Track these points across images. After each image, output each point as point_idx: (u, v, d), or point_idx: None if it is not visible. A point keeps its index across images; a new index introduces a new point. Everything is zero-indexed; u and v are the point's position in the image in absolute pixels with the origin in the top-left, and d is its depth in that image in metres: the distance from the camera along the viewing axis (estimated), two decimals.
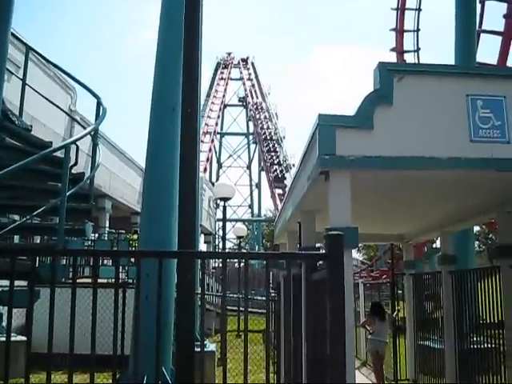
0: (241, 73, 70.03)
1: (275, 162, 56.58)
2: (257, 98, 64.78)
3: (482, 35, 22.19)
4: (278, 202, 49.50)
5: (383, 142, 4.95)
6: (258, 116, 62.23)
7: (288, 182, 50.51)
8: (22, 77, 8.80)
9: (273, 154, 57.05)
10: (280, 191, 52.37)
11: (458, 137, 5.12)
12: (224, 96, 67.02)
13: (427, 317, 11.93)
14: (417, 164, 4.99)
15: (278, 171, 55.77)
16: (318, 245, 8.05)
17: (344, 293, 3.35)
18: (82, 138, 6.55)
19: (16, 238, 11.10)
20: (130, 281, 15.54)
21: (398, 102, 5.01)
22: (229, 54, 71.60)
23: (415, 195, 6.95)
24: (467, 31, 15.93)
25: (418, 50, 29.74)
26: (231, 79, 69.54)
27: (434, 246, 29.38)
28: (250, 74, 69.05)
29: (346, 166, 4.79)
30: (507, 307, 7.40)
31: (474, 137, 5.12)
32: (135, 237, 21.97)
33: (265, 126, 60.65)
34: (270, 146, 58.15)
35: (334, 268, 3.17)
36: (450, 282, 9.78)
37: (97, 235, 22.62)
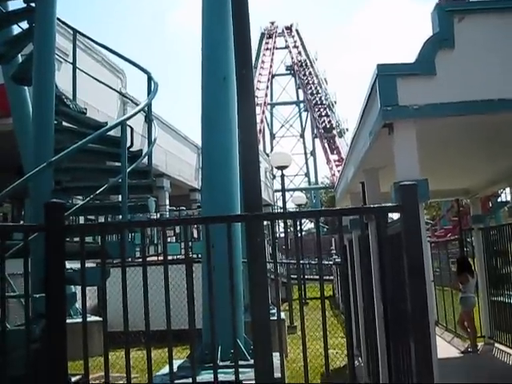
0: (286, 41, 69.15)
1: (328, 126, 55.95)
2: (305, 64, 63.93)
3: None
4: (334, 168, 49.05)
5: (448, 88, 4.68)
6: (307, 83, 61.50)
7: (342, 146, 49.96)
8: (72, 62, 8.88)
9: (325, 118, 56.42)
10: (335, 157, 51.86)
11: None
12: (271, 66, 66.51)
13: (500, 272, 11.56)
14: (485, 108, 4.71)
15: (331, 137, 55.15)
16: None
17: (421, 246, 3.20)
18: (137, 113, 6.55)
19: (81, 220, 11.34)
20: (195, 256, 15.71)
21: (460, 45, 4.72)
22: (272, 23, 70.66)
23: (482, 143, 6.64)
24: None
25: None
26: (277, 48, 68.78)
27: (500, 199, 28.52)
28: (295, 42, 68.15)
29: (410, 115, 4.57)
30: None
31: None
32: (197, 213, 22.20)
33: (315, 93, 59.92)
34: (322, 111, 57.49)
35: (410, 219, 3.01)
36: None
37: (158, 214, 22.97)
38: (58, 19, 8.20)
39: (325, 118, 57.12)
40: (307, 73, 62.63)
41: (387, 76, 4.59)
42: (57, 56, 9.11)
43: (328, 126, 56.40)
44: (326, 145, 54.99)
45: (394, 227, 4.18)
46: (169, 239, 18.74)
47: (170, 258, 12.97)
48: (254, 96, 3.84)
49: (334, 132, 55.70)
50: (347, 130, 52.11)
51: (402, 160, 4.56)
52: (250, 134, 3.46)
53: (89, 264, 4.73)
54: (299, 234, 3.17)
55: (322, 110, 57.99)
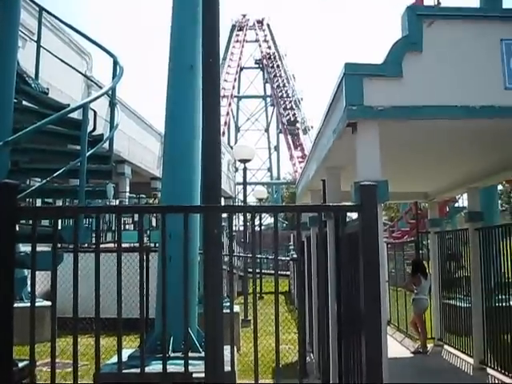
0: (256, 34, 69.01)
1: (292, 119, 56.18)
2: (274, 59, 63.95)
3: None
4: (297, 164, 49.26)
5: (413, 91, 4.72)
6: (274, 77, 61.57)
7: (306, 143, 50.23)
8: (36, 40, 8.65)
9: (289, 111, 56.68)
10: (299, 153, 52.07)
11: (492, 84, 4.87)
12: (240, 59, 66.29)
13: (452, 275, 11.79)
14: (448, 113, 4.77)
15: (295, 133, 55.38)
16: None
17: (378, 246, 3.21)
18: (99, 96, 6.41)
19: (38, 202, 11.10)
20: (152, 245, 15.57)
21: (428, 49, 4.76)
22: (244, 15, 70.48)
23: (443, 148, 6.74)
24: None
25: (438, 5, 28.93)
26: (247, 41, 68.58)
27: (457, 205, 29.07)
28: (265, 36, 68.07)
29: (374, 116, 4.59)
30: None
31: (508, 84, 4.87)
32: (156, 202, 22.00)
33: (282, 88, 60.03)
34: (288, 107, 57.66)
35: (368, 219, 3.02)
36: (477, 239, 9.60)
37: (117, 201, 22.68)
38: None
39: (289, 111, 57.34)
40: (276, 68, 62.68)
41: (354, 75, 4.60)
42: (22, 34, 8.88)
43: (292, 119, 56.69)
44: (290, 141, 55.16)
45: (351, 226, 4.20)
46: (127, 227, 18.55)
47: (126, 245, 12.82)
48: (219, 86, 3.79)
49: (298, 125, 55.98)
50: (312, 127, 52.40)
51: (364, 160, 4.58)
52: (213, 125, 3.42)
53: (44, 248, 4.61)
54: (257, 229, 3.16)
55: (287, 105, 58.12)
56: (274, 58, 64.13)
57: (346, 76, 4.63)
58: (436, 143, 6.33)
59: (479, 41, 4.98)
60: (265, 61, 64.91)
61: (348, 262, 3.89)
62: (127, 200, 23.90)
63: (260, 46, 67.53)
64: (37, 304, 3.52)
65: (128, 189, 26.85)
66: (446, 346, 11.75)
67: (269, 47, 66.16)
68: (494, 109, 4.80)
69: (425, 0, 29.04)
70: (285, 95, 58.87)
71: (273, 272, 22.88)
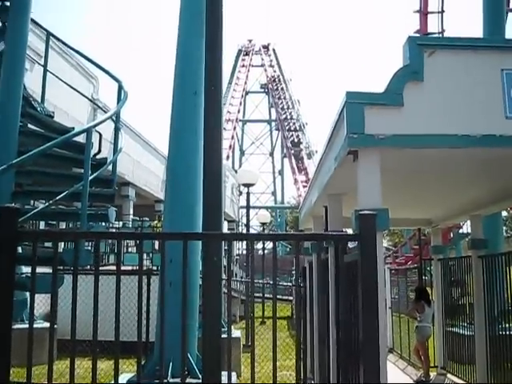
0: (262, 59, 69.57)
1: (296, 145, 56.43)
2: (279, 84, 64.38)
3: (510, 14, 21.63)
4: (301, 188, 49.28)
5: (414, 120, 4.75)
6: (280, 102, 61.93)
7: (310, 167, 50.33)
8: (43, 64, 8.77)
9: (293, 133, 57.00)
10: (303, 178, 52.12)
11: (493, 113, 4.89)
12: (246, 83, 66.75)
13: (456, 303, 11.72)
14: (449, 142, 4.79)
15: (299, 158, 55.52)
16: (344, 230, 7.89)
17: (377, 275, 3.21)
18: (104, 121, 6.48)
19: (42, 225, 11.12)
20: (155, 268, 15.54)
21: (429, 78, 4.80)
22: (250, 40, 71.15)
23: (446, 176, 6.74)
24: (495, 10, 15.52)
25: (442, 32, 29.19)
26: (252, 66, 69.09)
27: (461, 231, 28.98)
28: (271, 61, 68.61)
29: (375, 144, 4.61)
30: None
31: (509, 113, 4.89)
32: (159, 224, 22.03)
33: (287, 112, 60.34)
34: (293, 134, 57.94)
35: (366, 249, 3.02)
36: (480, 267, 9.55)
37: (121, 223, 22.70)
38: (33, 21, 8.12)
39: (293, 133, 57.62)
40: (281, 92, 63.09)
41: (355, 104, 4.64)
42: (29, 57, 9.00)
43: (296, 141, 56.92)
44: (295, 165, 55.27)
45: (351, 255, 4.20)
46: (130, 249, 18.52)
47: (129, 268, 12.81)
48: (221, 113, 3.83)
49: (302, 149, 56.16)
50: (316, 151, 52.52)
51: (365, 188, 4.59)
52: (214, 152, 3.44)
53: (47, 269, 4.62)
54: (260, 252, 3.19)
55: (292, 130, 58.39)
56: (280, 82, 64.55)
57: (347, 104, 4.67)
58: (437, 171, 6.34)
59: (480, 70, 5.02)
60: (270, 85, 65.33)
61: (347, 290, 3.89)
62: (131, 223, 23.93)
63: (265, 70, 68.02)
64: (37, 326, 3.53)
65: (132, 211, 26.89)
66: (449, 375, 11.62)
67: (274, 72, 66.63)
68: (495, 138, 4.82)
69: (429, 27, 29.39)
70: (290, 120, 59.16)
71: (277, 297, 22.79)
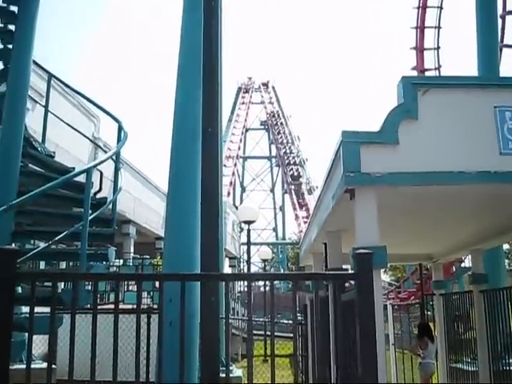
0: (262, 96, 70.32)
1: (297, 180, 56.65)
2: (279, 121, 64.95)
3: (504, 50, 21.96)
4: (302, 224, 49.25)
5: (409, 158, 4.82)
6: (280, 139, 62.39)
7: (310, 203, 50.40)
8: (44, 105, 8.89)
9: (293, 167, 57.33)
10: (304, 213, 52.14)
11: (487, 150, 4.97)
12: (246, 120, 67.32)
13: (459, 338, 11.61)
14: (445, 179, 4.84)
15: (300, 193, 55.65)
16: (344, 266, 7.89)
17: (374, 314, 3.21)
18: (103, 161, 6.53)
19: (42, 265, 11.11)
20: (155, 306, 15.44)
21: (423, 116, 4.89)
22: (250, 78, 72.02)
23: (443, 212, 6.77)
24: (489, 47, 15.74)
25: (439, 68, 29.55)
26: (252, 103, 69.80)
27: (463, 265, 28.81)
28: (271, 98, 69.34)
29: (371, 183, 4.66)
30: None
31: (503, 149, 4.96)
32: (160, 261, 21.96)
33: (287, 149, 60.73)
34: (293, 168, 58.21)
35: (363, 288, 3.04)
36: (482, 302, 9.50)
37: (121, 261, 22.63)
38: (34, 62, 8.25)
39: (293, 166, 57.95)
40: (281, 129, 63.62)
41: (351, 143, 4.71)
42: (31, 96, 9.12)
43: (296, 177, 57.18)
44: (295, 201, 55.39)
45: (349, 293, 4.20)
46: (130, 287, 18.43)
47: (130, 306, 12.74)
48: (219, 154, 3.89)
49: (303, 185, 56.34)
50: (317, 187, 52.66)
51: (362, 226, 4.63)
52: (212, 193, 3.49)
53: (45, 310, 4.62)
54: (262, 289, 3.23)
55: (292, 165, 58.70)
56: (279, 119, 65.13)
57: (343, 143, 4.73)
58: (435, 207, 6.38)
59: (474, 108, 5.11)
60: (270, 122, 65.89)
61: (346, 330, 3.88)
62: (131, 261, 23.87)
63: (265, 107, 68.68)
64: (36, 366, 3.52)
65: (132, 249, 26.83)
66: None
67: (274, 109, 67.26)
68: (489, 174, 4.88)
69: (426, 63, 29.79)
70: (290, 156, 59.53)
71: (279, 334, 22.54)
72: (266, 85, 70.98)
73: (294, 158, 59.25)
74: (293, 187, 56.91)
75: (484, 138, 5.00)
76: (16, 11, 7.38)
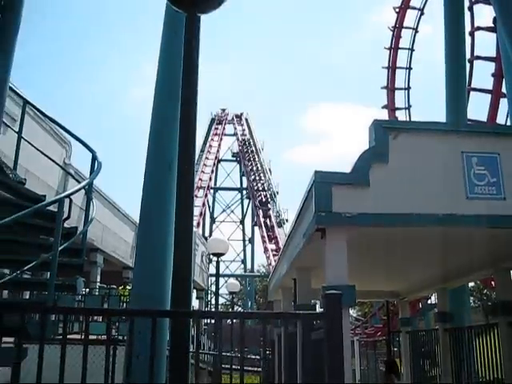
0: (235, 128, 70.67)
1: (267, 213, 56.71)
2: (251, 153, 65.30)
3: (471, 93, 22.63)
4: (271, 257, 49.23)
5: (379, 199, 4.93)
6: (251, 171, 62.64)
7: (280, 236, 50.49)
8: (17, 130, 8.82)
9: (264, 203, 57.49)
10: (273, 246, 52.12)
11: (454, 194, 5.12)
12: (218, 151, 67.41)
13: (425, 374, 11.69)
14: (413, 221, 4.97)
15: (270, 226, 55.71)
16: (313, 301, 7.93)
17: (342, 353, 3.26)
18: (75, 192, 6.51)
19: (5, 293, 10.87)
20: (121, 337, 15.20)
21: (393, 159, 5.03)
22: (223, 110, 72.44)
23: (411, 251, 6.90)
24: (457, 89, 16.18)
25: (409, 108, 30.26)
26: (225, 135, 70.11)
27: (429, 301, 29.05)
28: (243, 130, 69.73)
29: (342, 223, 4.76)
30: (506, 364, 7.26)
31: (469, 193, 5.12)
32: (126, 292, 21.68)
33: (258, 182, 60.96)
34: (263, 200, 58.36)
35: (331, 328, 3.09)
36: (447, 340, 9.63)
37: (87, 290, 22.28)
38: (11, 88, 8.22)
39: (264, 200, 58.11)
40: (252, 161, 63.85)
41: (323, 183, 4.81)
42: (4, 120, 9.04)
43: (266, 210, 57.30)
44: (265, 233, 55.33)
45: (318, 332, 4.25)
46: (95, 317, 18.10)
47: (95, 337, 12.52)
48: (193, 191, 3.93)
49: (272, 215, 56.39)
50: (287, 220, 52.84)
51: (332, 265, 4.70)
52: (185, 231, 3.52)
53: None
54: (220, 333, 3.28)
55: (263, 198, 58.86)
56: (251, 152, 65.46)
57: (315, 183, 4.83)
58: (403, 247, 6.50)
59: (442, 152, 5.28)
60: (242, 154, 66.17)
61: (314, 366, 3.91)
62: (97, 290, 23.50)
63: (238, 139, 69.02)
64: None
65: (99, 278, 26.42)
66: None
67: (246, 141, 67.65)
68: (456, 217, 5.02)
69: (396, 102, 30.44)
70: (261, 188, 59.74)
71: (246, 368, 22.28)
72: (239, 117, 71.46)
73: (264, 191, 59.46)
74: (262, 220, 56.98)
75: (451, 181, 5.15)
76: None
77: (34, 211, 6.11)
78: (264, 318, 3.44)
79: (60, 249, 5.90)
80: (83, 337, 3.69)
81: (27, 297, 14.08)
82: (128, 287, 23.34)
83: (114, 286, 25.25)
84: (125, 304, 18.86)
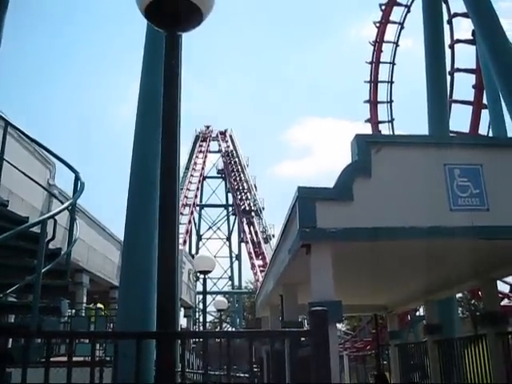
0: (219, 145, 70.67)
1: (253, 232, 56.65)
2: (236, 170, 65.33)
3: (453, 105, 22.86)
4: (259, 273, 49.10)
5: (363, 213, 4.94)
6: (237, 188, 62.64)
7: (267, 251, 50.44)
8: None
9: (251, 222, 57.48)
10: (260, 262, 51.97)
11: (438, 206, 5.14)
12: (203, 168, 67.33)
13: None
14: (398, 234, 4.98)
15: (256, 242, 55.62)
16: (301, 317, 7.90)
17: (329, 370, 3.23)
18: (58, 213, 6.45)
19: None
20: (108, 358, 15.01)
21: (376, 173, 5.04)
22: (207, 127, 72.43)
23: (397, 265, 6.91)
24: (439, 101, 16.33)
25: (392, 121, 30.49)
26: (210, 152, 70.07)
27: (418, 313, 29.06)
28: (228, 147, 69.82)
29: (327, 238, 4.75)
30: (495, 374, 7.26)
31: (453, 205, 5.14)
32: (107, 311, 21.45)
33: (244, 198, 60.95)
34: (250, 217, 58.32)
35: (318, 345, 3.07)
36: (436, 352, 9.62)
37: (73, 311, 22.03)
38: None
39: (250, 217, 58.12)
40: (238, 178, 63.81)
41: (307, 199, 4.80)
42: None
43: (252, 225, 57.31)
44: (252, 250, 55.21)
45: (305, 349, 4.22)
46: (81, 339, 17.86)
47: (80, 358, 12.35)
48: (176, 202, 3.92)
49: (258, 231, 56.32)
50: (273, 236, 52.74)
51: (318, 281, 4.69)
52: (170, 249, 3.50)
53: None
54: (207, 353, 3.26)
55: (249, 214, 58.84)
56: (237, 169, 65.47)
57: (299, 199, 4.82)
58: (388, 260, 6.51)
59: (425, 165, 5.31)
60: (227, 171, 66.18)
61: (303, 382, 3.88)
62: (84, 311, 23.24)
63: (223, 156, 69.06)
64: None
65: (85, 299, 26.15)
66: None
67: (231, 158, 67.71)
68: (440, 229, 5.04)
69: (379, 116, 30.67)
70: (246, 205, 59.73)
71: None
72: (223, 134, 71.53)
73: (250, 207, 59.45)
74: (249, 236, 56.87)
75: (435, 194, 5.18)
76: None
77: (16, 233, 6.04)
78: (252, 337, 3.40)
79: (44, 270, 5.83)
80: (68, 359, 3.62)
81: (12, 320, 13.92)
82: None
83: (102, 306, 24.99)
84: (112, 325, 18.68)
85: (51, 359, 3.80)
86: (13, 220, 7.27)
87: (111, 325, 18.84)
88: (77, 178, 7.38)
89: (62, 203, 7.57)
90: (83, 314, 21.99)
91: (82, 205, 23.02)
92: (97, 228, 27.40)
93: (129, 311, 7.93)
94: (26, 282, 5.91)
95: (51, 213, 6.86)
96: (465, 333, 15.26)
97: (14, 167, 8.82)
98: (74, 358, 4.26)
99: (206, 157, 68.26)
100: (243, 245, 61.14)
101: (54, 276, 6.88)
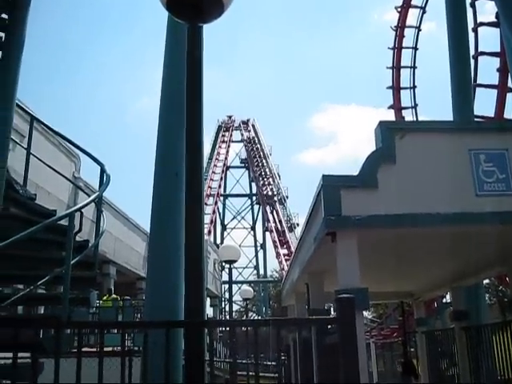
0: (242, 135, 70.70)
1: (277, 220, 56.69)
2: (259, 159, 65.33)
3: (477, 89, 22.50)
4: (284, 262, 49.17)
5: (388, 200, 4.93)
6: (260, 177, 62.67)
7: (292, 240, 50.45)
8: (26, 146, 8.88)
9: (268, 187, 57.79)
10: (285, 251, 52.04)
11: (463, 192, 5.10)
12: (226, 158, 67.50)
13: (442, 374, 11.60)
14: (423, 221, 4.95)
15: (281, 231, 55.66)
16: (327, 305, 7.92)
17: (357, 357, 3.25)
18: (85, 206, 6.52)
19: (19, 309, 10.92)
20: (137, 348, 15.19)
21: (400, 160, 5.02)
22: (230, 117, 72.51)
23: (422, 251, 6.87)
24: (463, 86, 16.08)
25: (415, 106, 30.13)
26: (233, 141, 70.16)
27: (445, 300, 28.86)
28: (251, 136, 69.80)
29: (352, 226, 4.75)
30: None
31: (479, 191, 5.10)
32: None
33: (267, 187, 60.96)
34: (274, 205, 58.36)
35: (345, 332, 3.08)
36: (463, 338, 9.56)
37: (101, 302, 22.32)
38: (18, 105, 8.29)
39: (274, 205, 58.20)
40: (261, 167, 63.86)
41: (332, 187, 4.81)
42: (12, 136, 9.11)
43: (270, 194, 57.55)
44: (276, 239, 55.28)
45: (332, 336, 4.24)
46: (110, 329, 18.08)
47: (110, 348, 12.51)
48: (202, 192, 3.94)
49: (283, 220, 56.35)
50: (298, 224, 52.71)
51: (344, 269, 4.69)
52: (196, 239, 3.53)
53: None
54: (234, 341, 3.30)
55: (273, 203, 58.87)
56: (260, 158, 65.46)
57: (323, 187, 4.83)
58: (414, 247, 6.48)
59: (449, 151, 5.26)
60: (250, 160, 66.20)
61: (329, 371, 3.91)
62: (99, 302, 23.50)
63: (245, 145, 69.06)
64: None
65: (113, 289, 26.47)
66: None
67: (254, 147, 67.68)
68: (466, 215, 5.00)
69: (402, 102, 30.37)
70: (270, 193, 59.75)
71: (262, 374, 22.18)
72: (246, 123, 71.51)
73: (274, 196, 59.45)
74: (273, 225, 56.90)
75: (460, 180, 5.13)
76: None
77: (44, 226, 6.14)
78: (278, 325, 3.43)
79: (72, 262, 5.92)
80: (98, 349, 3.69)
81: (42, 311, 14.16)
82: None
83: (129, 297, 25.26)
84: (139, 315, 18.90)
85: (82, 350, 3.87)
86: (41, 213, 7.39)
87: (138, 315, 19.08)
88: (102, 171, 7.46)
89: (88, 195, 7.67)
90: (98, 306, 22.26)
91: (108, 197, 23.28)
92: (122, 220, 27.70)
93: (156, 301, 8.00)
94: (56, 273, 6.00)
95: (79, 205, 6.94)
96: (492, 319, 15.11)
97: (41, 161, 8.95)
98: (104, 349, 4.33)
99: (229, 146, 68.39)
100: (268, 234, 61.28)
101: (83, 267, 6.98)
